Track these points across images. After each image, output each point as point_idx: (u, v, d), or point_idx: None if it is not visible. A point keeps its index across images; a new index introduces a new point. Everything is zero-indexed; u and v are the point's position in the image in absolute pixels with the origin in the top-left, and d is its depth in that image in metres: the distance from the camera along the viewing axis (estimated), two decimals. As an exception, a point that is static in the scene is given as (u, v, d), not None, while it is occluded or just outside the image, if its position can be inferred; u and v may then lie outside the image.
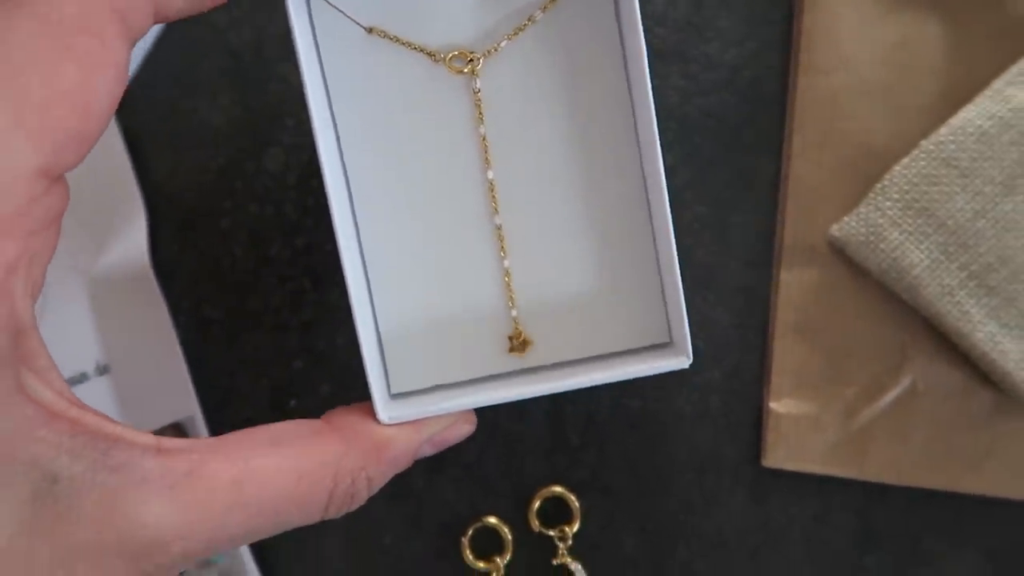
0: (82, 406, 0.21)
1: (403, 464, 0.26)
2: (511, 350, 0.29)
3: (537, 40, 0.28)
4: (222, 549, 0.22)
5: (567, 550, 0.33)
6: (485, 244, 0.28)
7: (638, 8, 0.25)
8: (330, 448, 0.23)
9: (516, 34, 0.27)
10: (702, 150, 0.35)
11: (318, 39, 0.27)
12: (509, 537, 0.33)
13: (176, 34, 0.36)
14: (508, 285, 0.28)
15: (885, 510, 0.33)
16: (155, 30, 0.36)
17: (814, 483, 0.33)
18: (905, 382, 0.33)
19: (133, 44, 0.22)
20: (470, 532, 0.33)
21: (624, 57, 0.28)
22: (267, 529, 0.22)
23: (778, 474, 0.33)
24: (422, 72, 0.28)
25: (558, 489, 0.33)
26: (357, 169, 0.28)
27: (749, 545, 0.33)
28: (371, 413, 0.25)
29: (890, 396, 0.33)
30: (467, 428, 0.27)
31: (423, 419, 0.26)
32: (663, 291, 0.28)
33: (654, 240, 0.28)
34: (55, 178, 0.21)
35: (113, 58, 0.21)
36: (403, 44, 0.27)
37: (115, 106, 0.21)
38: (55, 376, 0.21)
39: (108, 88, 0.21)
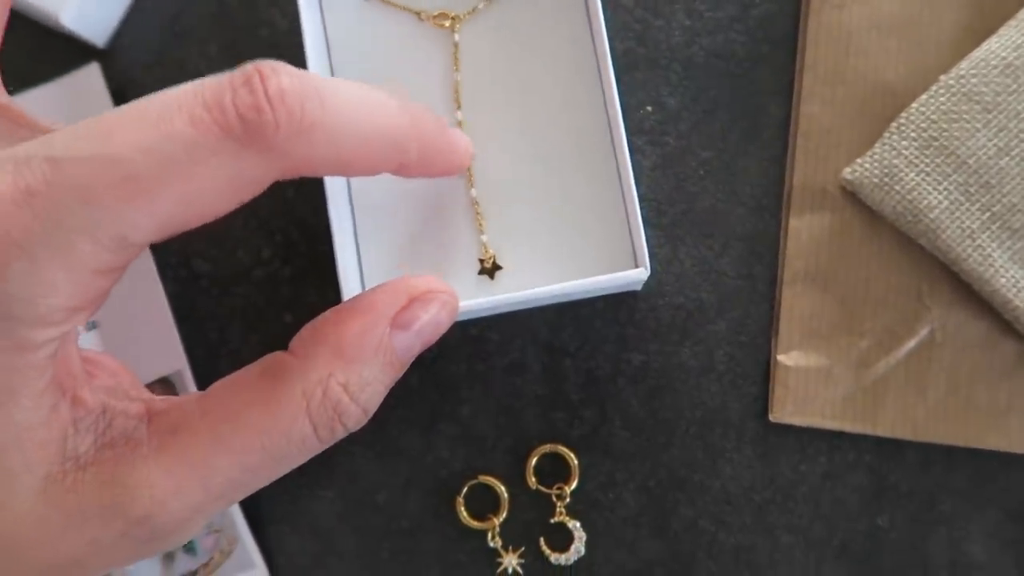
0: (91, 374, 0.22)
1: (378, 357, 0.23)
2: (481, 271, 0.30)
3: (510, 5, 0.32)
4: (226, 497, 0.22)
5: (565, 508, 0.32)
6: (455, 177, 0.31)
7: None
8: (289, 368, 0.22)
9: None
10: (708, 92, 0.33)
11: (323, 6, 0.32)
12: (505, 495, 0.32)
13: (162, -20, 0.35)
14: (477, 212, 0.31)
15: (900, 467, 0.31)
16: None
17: (824, 439, 0.32)
18: (922, 332, 0.31)
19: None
20: (465, 490, 0.32)
21: (587, 11, 0.31)
22: (264, 468, 0.22)
23: (786, 429, 0.32)
24: (410, 29, 0.32)
25: (556, 446, 0.32)
26: None
27: (756, 503, 0.32)
28: (319, 322, 0.23)
29: (906, 347, 0.31)
30: (450, 303, 0.24)
31: (375, 298, 0.23)
32: (627, 215, 0.30)
33: (619, 175, 0.30)
34: None
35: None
36: (394, 6, 0.32)
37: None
38: (75, 349, 0.22)
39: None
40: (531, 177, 0.31)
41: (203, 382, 0.33)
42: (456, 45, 0.32)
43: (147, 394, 0.23)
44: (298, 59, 0.33)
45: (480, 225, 0.31)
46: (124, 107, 0.20)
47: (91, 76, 0.34)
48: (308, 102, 0.20)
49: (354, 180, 0.32)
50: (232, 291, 0.34)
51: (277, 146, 0.20)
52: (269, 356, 0.23)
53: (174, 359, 0.33)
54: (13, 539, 0.21)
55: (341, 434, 0.23)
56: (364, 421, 0.23)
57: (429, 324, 0.24)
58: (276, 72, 0.20)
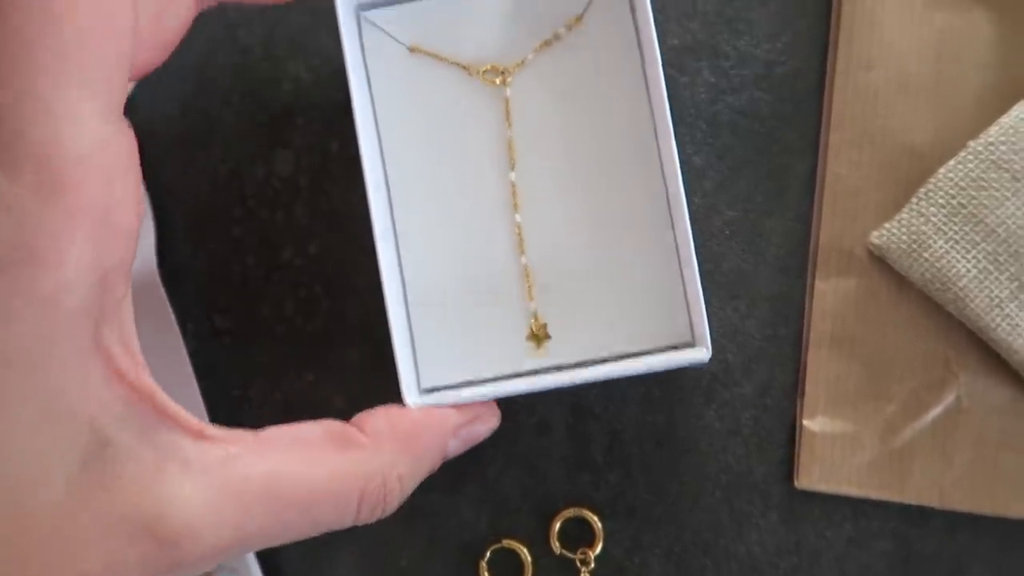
0: (143, 367, 0.21)
1: (432, 459, 0.26)
2: (529, 338, 0.30)
3: (561, 53, 0.31)
4: (252, 544, 0.22)
5: (590, 573, 0.32)
6: (505, 240, 0.30)
7: (653, 26, 0.29)
8: (360, 446, 0.23)
9: (542, 48, 0.31)
10: (733, 151, 0.33)
11: (366, 56, 0.31)
12: (529, 559, 0.32)
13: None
14: (528, 279, 0.30)
15: (926, 535, 0.31)
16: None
17: (850, 504, 0.31)
18: (949, 399, 0.31)
19: None
20: (488, 554, 0.32)
21: (643, 66, 0.30)
22: (297, 527, 0.22)
23: (812, 494, 0.32)
24: (458, 83, 0.31)
25: (581, 510, 0.32)
26: (396, 168, 0.31)
27: (781, 569, 0.31)
28: (395, 413, 0.26)
29: (932, 413, 0.31)
30: (493, 421, 0.28)
31: (447, 407, 0.27)
32: (684, 287, 0.29)
33: (674, 237, 0.29)
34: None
35: None
36: (441, 60, 0.31)
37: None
38: (129, 328, 0.21)
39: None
40: (584, 241, 0.30)
41: (224, 440, 0.33)
42: (507, 100, 0.30)
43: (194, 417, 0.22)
44: (326, 112, 0.34)
45: (530, 292, 0.30)
46: None
47: (113, 130, 0.34)
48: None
49: (403, 241, 0.30)
50: (254, 348, 0.34)
51: None
52: (335, 423, 0.24)
53: (195, 417, 0.32)
54: (26, 541, 0.18)
55: (379, 516, 0.24)
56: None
57: (474, 436, 0.27)
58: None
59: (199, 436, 0.21)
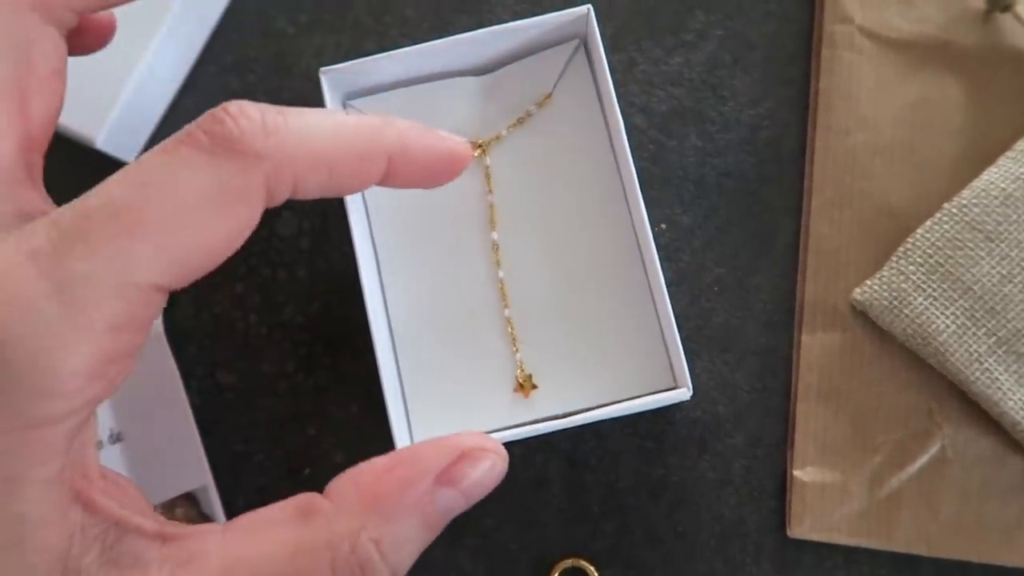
0: (99, 485, 0.21)
1: (415, 514, 0.21)
2: (516, 389, 0.31)
3: (534, 128, 0.34)
4: None
5: (588, 624, 0.32)
6: (490, 294, 0.33)
7: (614, 97, 0.31)
8: (321, 514, 0.21)
9: (516, 125, 0.34)
10: (720, 211, 0.35)
11: None
12: (528, 610, 0.32)
13: (191, 97, 0.36)
14: (511, 332, 0.32)
15: (915, 582, 0.32)
16: (169, 92, 0.36)
17: (841, 552, 0.32)
18: (933, 449, 0.32)
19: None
20: (488, 605, 0.32)
21: (608, 133, 0.33)
22: None
23: (804, 543, 0.32)
24: None
25: (578, 560, 0.32)
26: (383, 235, 0.33)
27: (775, 618, 0.32)
28: (360, 469, 0.22)
29: (918, 463, 0.32)
30: (496, 461, 0.23)
31: (421, 446, 0.22)
32: (662, 333, 0.31)
33: (651, 294, 0.32)
34: None
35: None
36: None
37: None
38: (90, 448, 0.20)
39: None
40: (564, 295, 0.32)
41: (227, 493, 0.33)
42: (487, 168, 0.33)
43: (161, 518, 0.22)
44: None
45: (515, 344, 0.32)
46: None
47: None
48: (268, 113, 0.21)
49: (389, 292, 0.32)
50: (256, 403, 0.34)
51: (246, 148, 0.20)
52: (304, 496, 0.22)
53: (198, 474, 0.33)
54: None
55: None
56: None
57: (477, 484, 0.22)
58: (236, 102, 0.21)
59: (160, 539, 0.20)
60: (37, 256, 0.19)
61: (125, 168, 0.20)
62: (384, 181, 0.24)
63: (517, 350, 0.32)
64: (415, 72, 0.33)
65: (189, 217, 0.20)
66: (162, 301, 0.21)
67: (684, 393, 0.29)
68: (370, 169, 0.23)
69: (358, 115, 0.23)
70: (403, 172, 0.24)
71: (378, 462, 0.22)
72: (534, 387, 0.31)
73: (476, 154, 0.33)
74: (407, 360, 0.32)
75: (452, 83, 0.33)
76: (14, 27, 0.22)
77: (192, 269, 0.20)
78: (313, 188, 0.22)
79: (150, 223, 0.19)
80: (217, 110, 0.21)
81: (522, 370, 0.32)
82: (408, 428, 0.31)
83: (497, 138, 0.33)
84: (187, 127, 0.21)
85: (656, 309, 0.31)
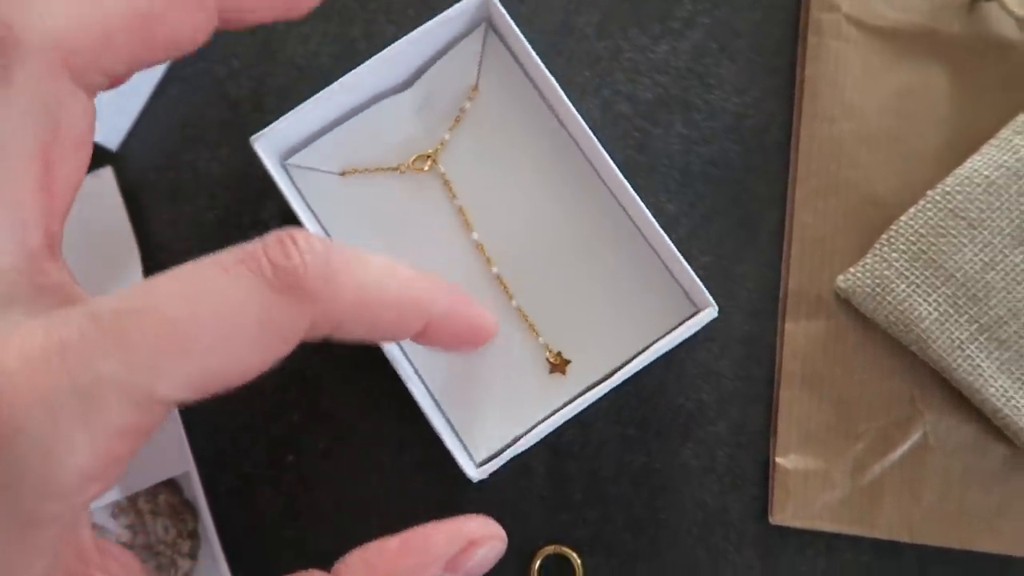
0: (100, 553, 0.21)
1: None
2: (551, 371, 0.32)
3: (475, 121, 0.33)
4: None
5: (570, 611, 0.32)
6: (493, 292, 0.32)
7: (541, 64, 0.31)
8: None
9: (455, 125, 0.33)
10: (705, 199, 0.35)
11: (299, 187, 0.33)
12: (511, 597, 0.32)
13: (175, 86, 0.36)
14: (528, 322, 0.32)
15: (898, 569, 0.32)
16: (152, 79, 0.35)
17: (823, 539, 0.32)
18: (915, 436, 0.32)
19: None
20: (470, 592, 0.32)
21: (543, 98, 0.33)
22: None
23: (786, 530, 0.32)
24: (396, 182, 0.33)
25: (560, 547, 0.32)
26: None
27: (757, 605, 0.32)
28: (371, 552, 0.23)
29: (900, 450, 0.32)
30: (496, 544, 0.24)
31: (430, 530, 0.24)
32: (664, 265, 0.32)
33: (641, 234, 0.32)
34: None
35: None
36: (372, 171, 0.33)
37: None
38: (86, 528, 0.21)
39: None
40: (561, 269, 0.32)
41: (209, 480, 0.33)
42: (443, 175, 0.33)
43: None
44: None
45: (534, 330, 0.32)
46: (166, 271, 0.20)
47: (104, 179, 0.35)
48: (335, 254, 0.21)
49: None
50: (240, 389, 0.34)
51: (306, 289, 0.20)
52: (315, 574, 0.23)
53: (181, 461, 0.33)
54: None
55: None
56: None
57: (479, 566, 0.24)
58: (304, 233, 0.21)
59: None
60: (65, 350, 0.19)
61: (177, 271, 0.20)
62: (413, 338, 0.25)
63: (538, 335, 0.32)
64: (348, 106, 0.32)
65: (229, 344, 0.20)
66: (171, 412, 0.21)
67: (711, 312, 0.29)
68: (407, 330, 0.24)
69: (412, 274, 0.24)
70: (434, 336, 0.25)
71: (390, 545, 0.23)
72: (567, 362, 0.32)
73: (426, 166, 0.33)
74: (434, 382, 0.32)
75: (384, 105, 0.33)
76: (46, 87, 0.22)
77: (210, 391, 0.20)
78: (349, 335, 0.22)
79: (190, 342, 0.19)
80: (284, 236, 0.21)
81: (550, 351, 0.32)
82: (465, 451, 0.31)
83: (442, 144, 0.33)
84: (250, 246, 0.20)
85: (652, 246, 0.32)
